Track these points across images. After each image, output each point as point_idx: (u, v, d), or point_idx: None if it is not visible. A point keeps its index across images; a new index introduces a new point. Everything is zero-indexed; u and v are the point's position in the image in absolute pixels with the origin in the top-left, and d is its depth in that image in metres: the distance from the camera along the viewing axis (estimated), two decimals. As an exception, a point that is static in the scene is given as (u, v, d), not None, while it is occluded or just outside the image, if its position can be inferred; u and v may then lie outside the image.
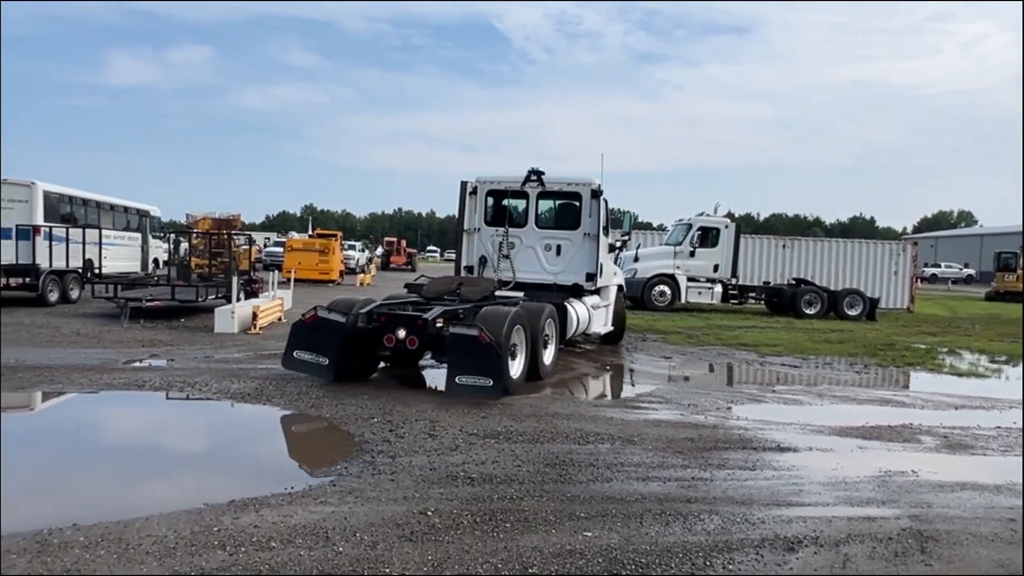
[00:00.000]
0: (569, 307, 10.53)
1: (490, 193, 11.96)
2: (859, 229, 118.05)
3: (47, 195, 21.88)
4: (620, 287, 13.48)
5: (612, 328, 13.00)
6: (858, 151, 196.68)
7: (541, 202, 11.81)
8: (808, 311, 22.23)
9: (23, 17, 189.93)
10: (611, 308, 12.73)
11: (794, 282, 23.89)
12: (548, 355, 9.42)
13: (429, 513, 4.51)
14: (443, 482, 5.17)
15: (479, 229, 11.92)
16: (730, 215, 27.54)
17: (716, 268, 22.65)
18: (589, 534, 4.29)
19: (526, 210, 11.77)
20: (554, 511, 4.65)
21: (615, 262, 13.46)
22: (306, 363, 8.32)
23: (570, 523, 4.46)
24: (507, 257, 11.62)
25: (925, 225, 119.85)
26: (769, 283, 24.42)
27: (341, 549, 3.92)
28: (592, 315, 11.50)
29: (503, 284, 11.21)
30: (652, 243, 25.85)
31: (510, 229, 11.68)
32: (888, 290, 25.14)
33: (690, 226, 23.08)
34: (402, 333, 8.26)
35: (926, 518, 4.84)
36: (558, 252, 11.49)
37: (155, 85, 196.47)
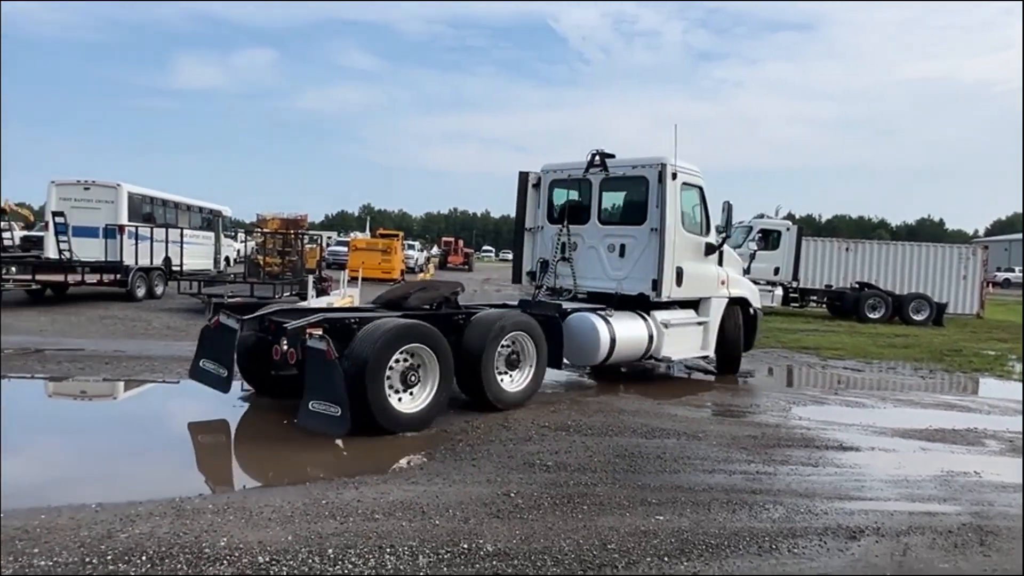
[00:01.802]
0: (584, 323, 8.71)
1: (555, 184, 10.33)
2: (927, 231, 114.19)
3: (131, 196, 23.24)
4: (741, 301, 10.54)
5: (709, 354, 10.18)
6: (927, 150, 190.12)
7: (606, 193, 9.95)
8: (872, 315, 21.95)
9: (98, 23, 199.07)
10: (710, 327, 9.98)
11: (857, 286, 23.57)
12: (516, 378, 7.75)
13: (512, 495, 4.92)
14: (521, 468, 5.58)
15: (542, 228, 10.41)
16: (790, 216, 27.28)
17: (776, 271, 22.51)
18: (661, 518, 4.64)
19: (588, 202, 9.99)
20: (627, 497, 5.01)
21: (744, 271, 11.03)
22: (209, 374, 7.19)
23: (642, 508, 4.82)
24: (567, 260, 9.97)
25: (998, 228, 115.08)
26: (831, 286, 24.15)
27: (437, 522, 4.36)
28: (661, 335, 9.30)
29: (563, 293, 9.96)
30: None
31: (571, 227, 9.94)
32: (957, 295, 24.54)
33: (750, 228, 23.01)
34: (285, 344, 6.69)
35: (987, 515, 5.03)
36: (621, 253, 9.58)
37: (221, 88, 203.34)
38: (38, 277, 16.05)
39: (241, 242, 37.80)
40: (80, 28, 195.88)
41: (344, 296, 16.76)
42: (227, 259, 31.20)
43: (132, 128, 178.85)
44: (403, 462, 5.82)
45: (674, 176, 9.12)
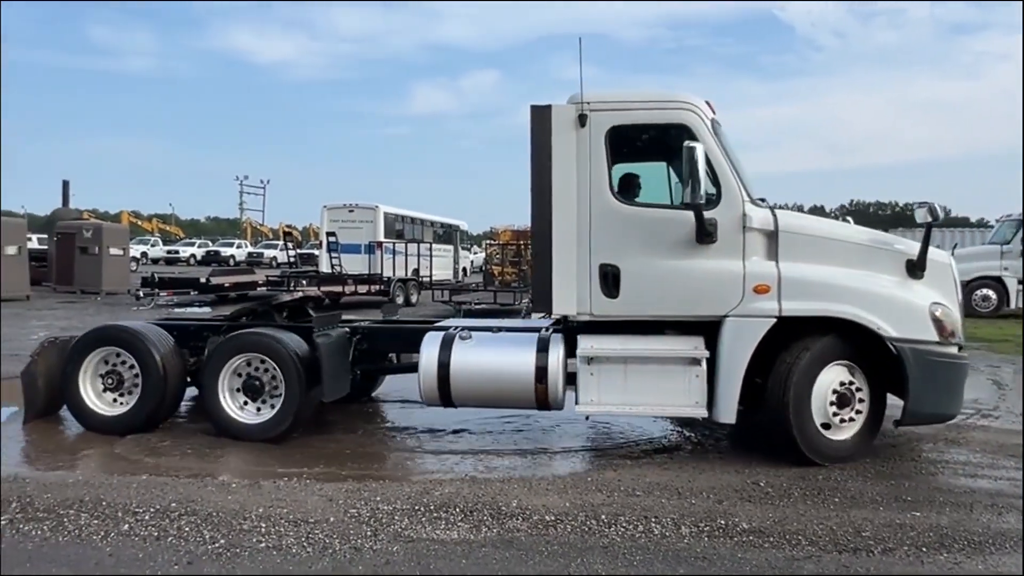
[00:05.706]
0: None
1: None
2: None
3: (386, 215, 26.37)
4: (842, 324, 5.66)
5: (721, 417, 5.70)
6: None
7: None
8: None
9: (351, 63, 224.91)
10: (723, 369, 5.68)
11: None
12: (251, 409, 6.35)
13: (761, 484, 5.25)
14: (767, 462, 5.83)
15: None
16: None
17: (1050, 268, 19.82)
18: (917, 514, 4.71)
19: None
20: (879, 493, 5.11)
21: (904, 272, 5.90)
22: None
23: (896, 504, 4.90)
24: None
25: None
26: None
27: (693, 502, 4.84)
28: (582, 374, 5.80)
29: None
30: (971, 242, 23.35)
31: None
32: None
33: (1020, 222, 20.47)
34: None
35: None
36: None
37: (451, 111, 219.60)
38: (323, 288, 18.90)
39: (475, 253, 40.92)
40: (334, 68, 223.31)
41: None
42: (464, 269, 33.95)
43: (378, 153, 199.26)
44: (652, 451, 6.37)
45: (582, 120, 5.90)
